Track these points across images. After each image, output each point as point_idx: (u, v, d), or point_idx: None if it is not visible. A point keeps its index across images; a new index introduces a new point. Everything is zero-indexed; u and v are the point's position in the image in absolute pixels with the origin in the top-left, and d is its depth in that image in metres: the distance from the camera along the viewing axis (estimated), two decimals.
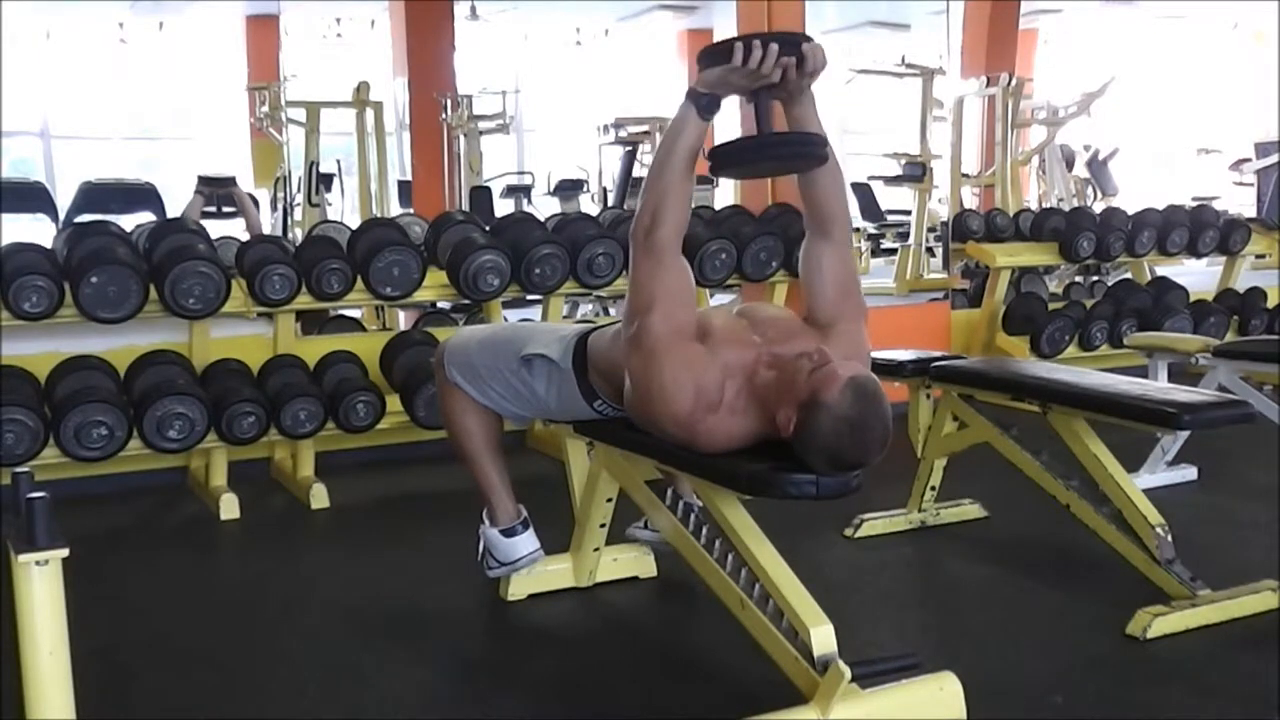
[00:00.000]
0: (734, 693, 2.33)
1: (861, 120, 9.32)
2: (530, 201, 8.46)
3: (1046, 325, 5.24)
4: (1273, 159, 8.26)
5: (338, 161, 7.02)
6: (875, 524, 3.35)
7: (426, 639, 2.69)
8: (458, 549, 3.06)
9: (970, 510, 3.49)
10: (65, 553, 1.55)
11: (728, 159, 2.29)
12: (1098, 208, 7.45)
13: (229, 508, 3.72)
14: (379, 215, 6.39)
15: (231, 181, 6.37)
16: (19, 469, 1.69)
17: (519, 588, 2.86)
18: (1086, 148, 9.15)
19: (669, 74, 10.89)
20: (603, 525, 2.83)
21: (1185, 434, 3.70)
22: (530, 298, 4.49)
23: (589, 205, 8.51)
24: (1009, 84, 7.13)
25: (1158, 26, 12.00)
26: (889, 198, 8.38)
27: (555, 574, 2.90)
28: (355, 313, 5.42)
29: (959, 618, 2.82)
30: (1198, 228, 5.74)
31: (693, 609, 2.78)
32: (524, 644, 2.71)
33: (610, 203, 8.21)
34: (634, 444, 2.51)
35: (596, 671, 2.52)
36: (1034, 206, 7.42)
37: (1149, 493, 2.93)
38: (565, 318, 4.95)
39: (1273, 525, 3.26)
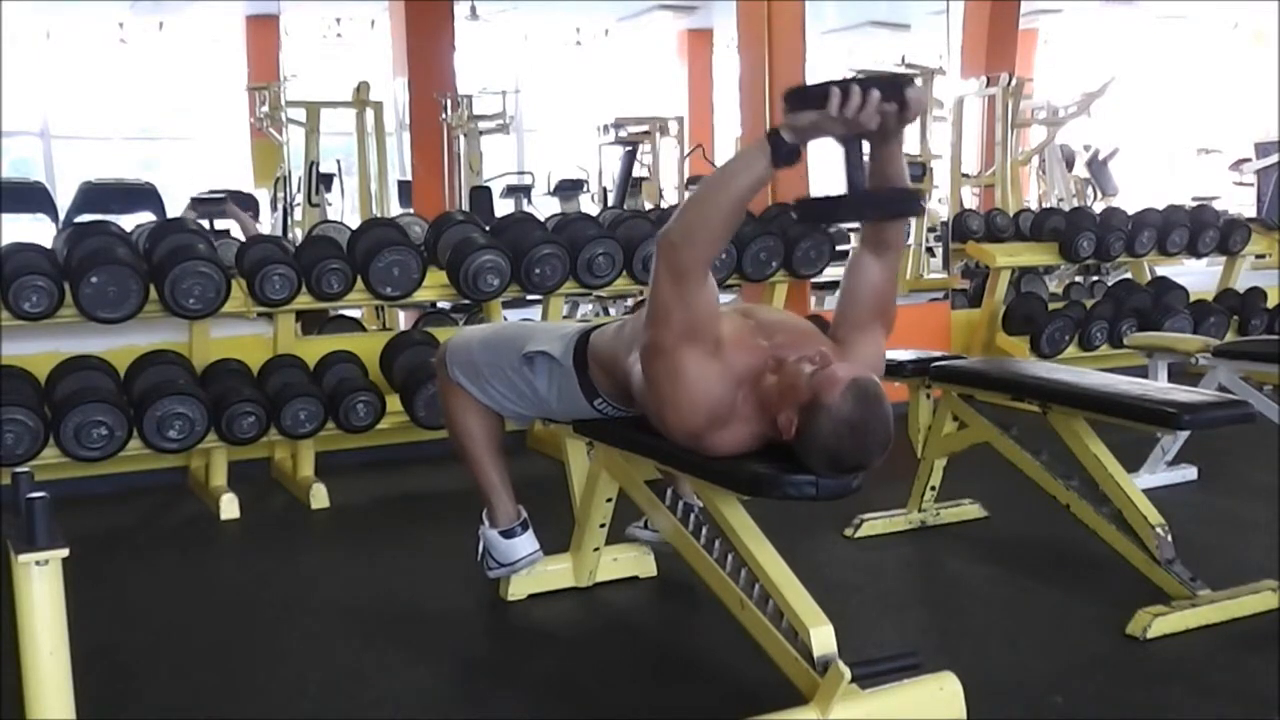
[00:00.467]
0: (734, 693, 2.33)
1: None
2: (530, 201, 8.46)
3: (1046, 325, 5.24)
4: (1273, 159, 8.26)
5: (338, 161, 7.03)
6: (875, 524, 3.35)
7: (426, 639, 2.69)
8: (458, 549, 3.06)
9: (970, 510, 3.49)
10: (65, 553, 1.55)
11: (819, 215, 2.18)
12: (1098, 208, 7.45)
13: (229, 508, 3.72)
14: (379, 215, 6.39)
15: (224, 200, 6.37)
16: (19, 469, 1.69)
17: (519, 588, 2.86)
18: (1086, 148, 9.15)
19: (669, 74, 10.90)
20: (602, 525, 2.83)
21: (1185, 434, 3.70)
22: (530, 298, 4.48)
23: (589, 205, 8.52)
24: (1009, 84, 7.13)
25: (1158, 26, 12.00)
26: None
27: (555, 574, 2.89)
28: (355, 313, 5.42)
29: (959, 618, 2.82)
30: (1198, 228, 5.73)
31: (693, 609, 2.78)
32: (524, 644, 2.71)
33: (610, 203, 8.21)
34: (634, 444, 2.51)
35: (596, 671, 2.52)
36: (1034, 206, 7.42)
37: (1149, 493, 2.93)
38: (565, 318, 4.95)
39: (1273, 525, 3.26)
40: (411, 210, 6.51)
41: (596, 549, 2.88)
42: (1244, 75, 11.23)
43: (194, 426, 3.64)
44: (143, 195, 6.66)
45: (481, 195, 7.42)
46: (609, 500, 2.78)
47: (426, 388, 3.93)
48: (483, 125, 7.44)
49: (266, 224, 6.69)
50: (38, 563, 1.53)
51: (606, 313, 6.12)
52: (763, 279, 4.67)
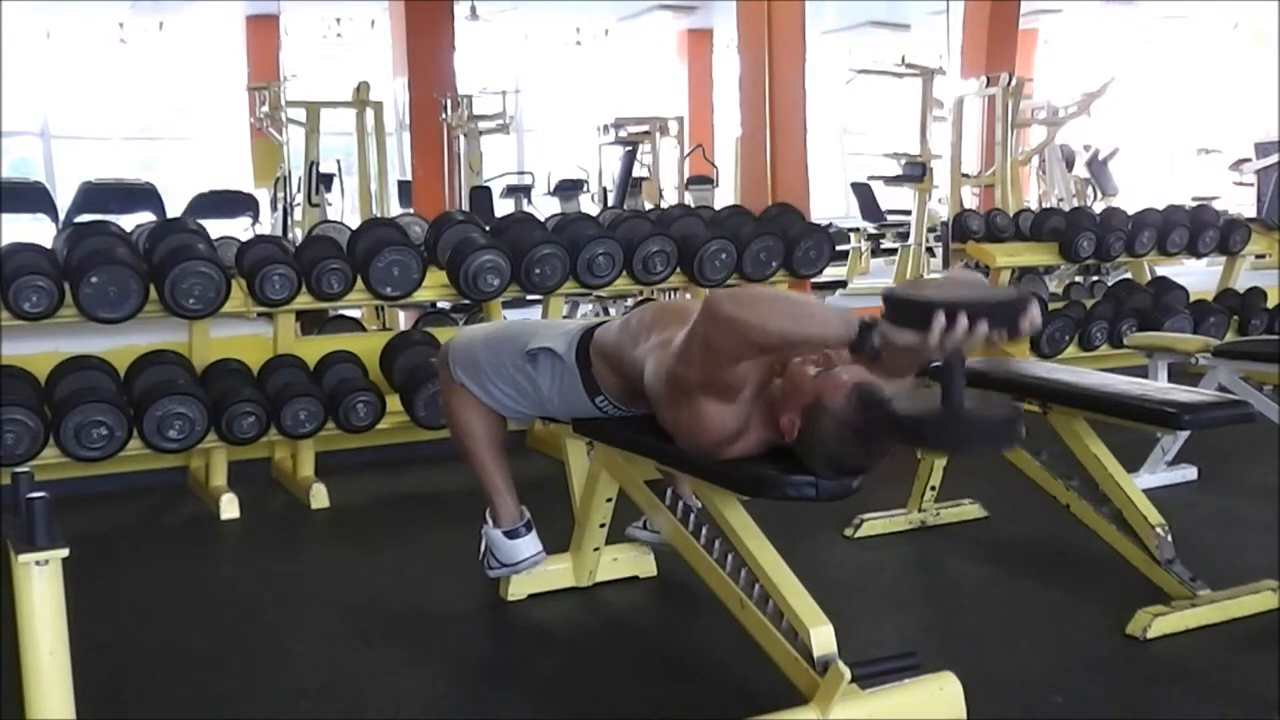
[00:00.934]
0: (734, 693, 2.33)
1: (861, 120, 9.34)
2: (530, 201, 8.46)
3: (1046, 325, 5.23)
4: (1273, 159, 8.26)
5: (338, 161, 7.03)
6: (875, 524, 3.35)
7: (427, 639, 2.69)
8: (458, 549, 3.06)
9: (970, 510, 3.49)
10: (65, 553, 1.55)
11: (900, 433, 1.96)
12: (1098, 208, 7.45)
13: (229, 508, 3.72)
14: (379, 215, 6.39)
15: None
16: (19, 469, 1.69)
17: (519, 588, 2.86)
18: (1086, 148, 9.15)
19: (669, 74, 10.90)
20: (602, 525, 2.83)
21: (1185, 434, 3.70)
22: (530, 298, 4.48)
23: (589, 205, 8.51)
24: (1009, 84, 7.12)
25: (1158, 26, 12.00)
26: (889, 198, 8.39)
27: (555, 574, 2.89)
28: (355, 313, 5.42)
29: (959, 618, 2.82)
30: (1198, 228, 5.73)
31: (693, 609, 2.78)
32: (524, 644, 2.71)
33: (610, 203, 8.21)
34: (634, 444, 2.51)
35: (596, 671, 2.52)
36: (1034, 206, 7.42)
37: (1149, 493, 2.93)
38: (565, 318, 4.95)
39: (1273, 525, 3.26)
40: (411, 210, 6.51)
41: (596, 549, 2.88)
42: (1244, 75, 11.22)
43: (194, 426, 3.64)
44: (143, 195, 6.66)
45: (481, 195, 7.42)
46: (609, 500, 2.78)
47: (426, 388, 3.93)
48: (483, 125, 7.44)
49: (267, 224, 6.69)
50: (38, 563, 1.53)
51: (606, 312, 6.12)
52: (763, 279, 4.66)
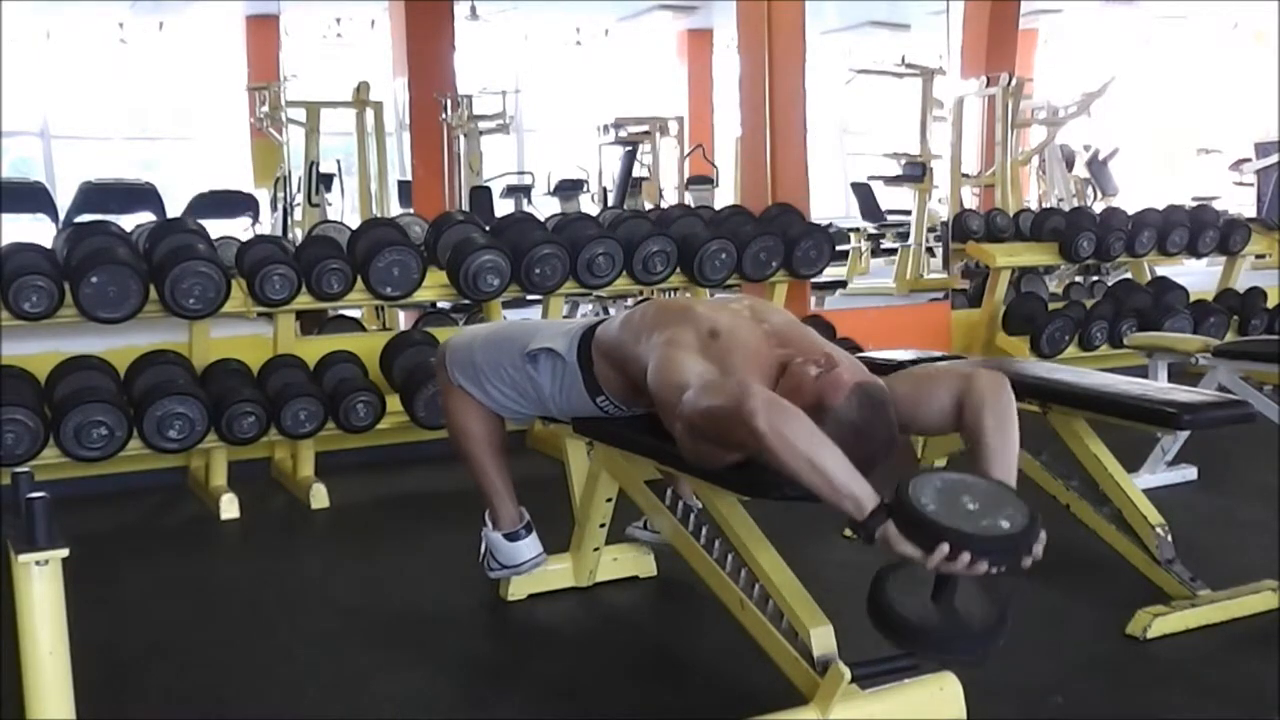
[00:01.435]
0: (734, 693, 2.33)
1: (861, 120, 9.34)
2: (530, 201, 8.46)
3: (1046, 325, 5.24)
4: (1273, 159, 8.26)
5: (338, 161, 7.02)
6: None
7: (426, 639, 2.69)
8: (458, 549, 3.06)
9: None
10: (65, 553, 1.55)
11: (893, 631, 1.94)
12: (1098, 208, 7.45)
13: (229, 508, 3.72)
14: (379, 215, 6.39)
15: None
16: (19, 469, 1.69)
17: (519, 588, 2.86)
18: (1086, 148, 9.15)
19: (669, 74, 10.90)
20: (603, 525, 2.83)
21: (1185, 434, 3.70)
22: (530, 298, 4.49)
23: (589, 205, 8.51)
24: (1009, 84, 7.13)
25: (1158, 26, 12.00)
26: (889, 198, 8.38)
27: (555, 574, 2.89)
28: (355, 313, 5.42)
29: None
30: (1198, 228, 5.74)
31: (693, 609, 2.78)
32: (524, 644, 2.71)
33: (610, 203, 8.21)
34: (633, 444, 2.51)
35: (596, 671, 2.52)
36: (1034, 206, 7.42)
37: (1149, 493, 2.93)
38: (565, 318, 4.95)
39: (1273, 525, 3.26)
40: (411, 210, 6.51)
41: (596, 549, 2.88)
42: (1244, 75, 11.22)
43: (194, 426, 3.64)
44: (143, 195, 6.65)
45: (481, 195, 7.42)
46: (609, 500, 2.78)
47: (426, 388, 3.93)
48: (483, 125, 7.44)
49: (267, 224, 6.68)
50: (38, 563, 1.53)
51: (606, 313, 6.11)
52: (763, 279, 4.67)
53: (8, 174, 8.44)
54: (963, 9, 7.34)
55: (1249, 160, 9.03)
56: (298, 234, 6.09)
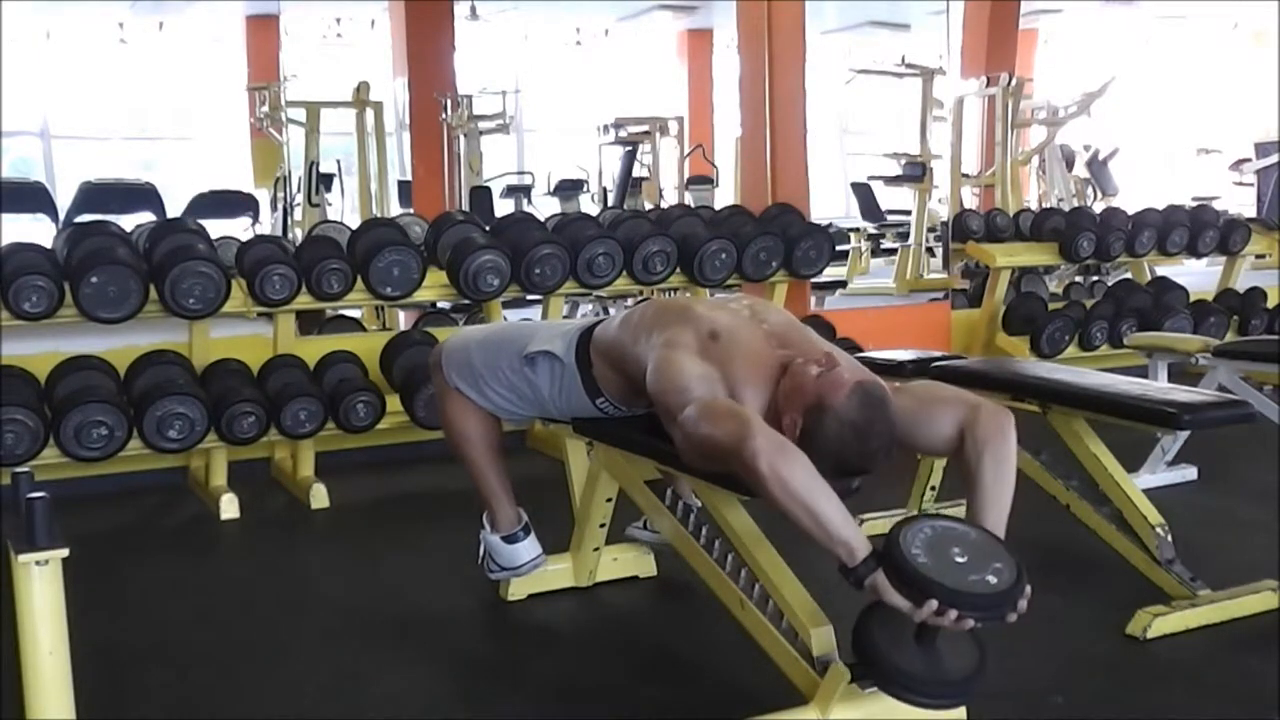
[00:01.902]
0: (734, 693, 2.33)
1: (861, 120, 9.34)
2: (530, 201, 8.46)
3: (1046, 325, 5.24)
4: (1273, 159, 8.26)
5: (338, 161, 7.02)
6: (875, 524, 3.34)
7: (427, 639, 2.69)
8: (458, 549, 3.06)
9: None
10: (65, 553, 1.55)
11: (873, 668, 1.97)
12: (1098, 208, 7.45)
13: (229, 508, 3.72)
14: (379, 215, 6.39)
15: None
16: (19, 469, 1.69)
17: (519, 588, 2.86)
18: (1086, 148, 9.15)
19: (669, 74, 10.90)
20: (602, 525, 2.83)
21: (1185, 434, 3.70)
22: (530, 298, 4.49)
23: (589, 205, 8.51)
24: (1009, 84, 7.13)
25: (1158, 26, 12.00)
26: (889, 198, 8.38)
27: (555, 574, 2.89)
28: (355, 313, 5.42)
29: None
30: (1198, 228, 5.73)
31: (693, 609, 2.78)
32: (524, 644, 2.71)
33: (610, 203, 8.21)
34: (633, 444, 2.51)
35: (596, 671, 2.52)
36: (1034, 206, 7.42)
37: (1149, 493, 2.93)
38: (565, 318, 4.95)
39: (1273, 525, 3.26)
40: (411, 210, 6.51)
41: (596, 549, 2.88)
42: (1244, 75, 11.22)
43: (194, 426, 3.64)
44: (143, 195, 6.65)
45: (481, 195, 7.42)
46: (609, 500, 2.78)
47: (426, 388, 3.93)
48: (483, 125, 7.43)
49: (267, 224, 6.69)
50: (38, 563, 1.53)
51: (606, 313, 6.11)
52: (763, 279, 4.67)
53: (8, 174, 8.45)
54: (963, 9, 7.33)
55: (1249, 160, 9.03)
56: (298, 234, 6.09)
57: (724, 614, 2.33)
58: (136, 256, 3.77)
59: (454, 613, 2.86)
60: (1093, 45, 11.38)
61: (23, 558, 1.52)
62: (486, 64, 8.69)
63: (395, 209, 6.72)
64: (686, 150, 8.98)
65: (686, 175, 8.99)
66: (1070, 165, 8.56)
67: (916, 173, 7.20)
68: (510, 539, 2.76)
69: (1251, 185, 8.89)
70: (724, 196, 8.21)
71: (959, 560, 1.91)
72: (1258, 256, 6.47)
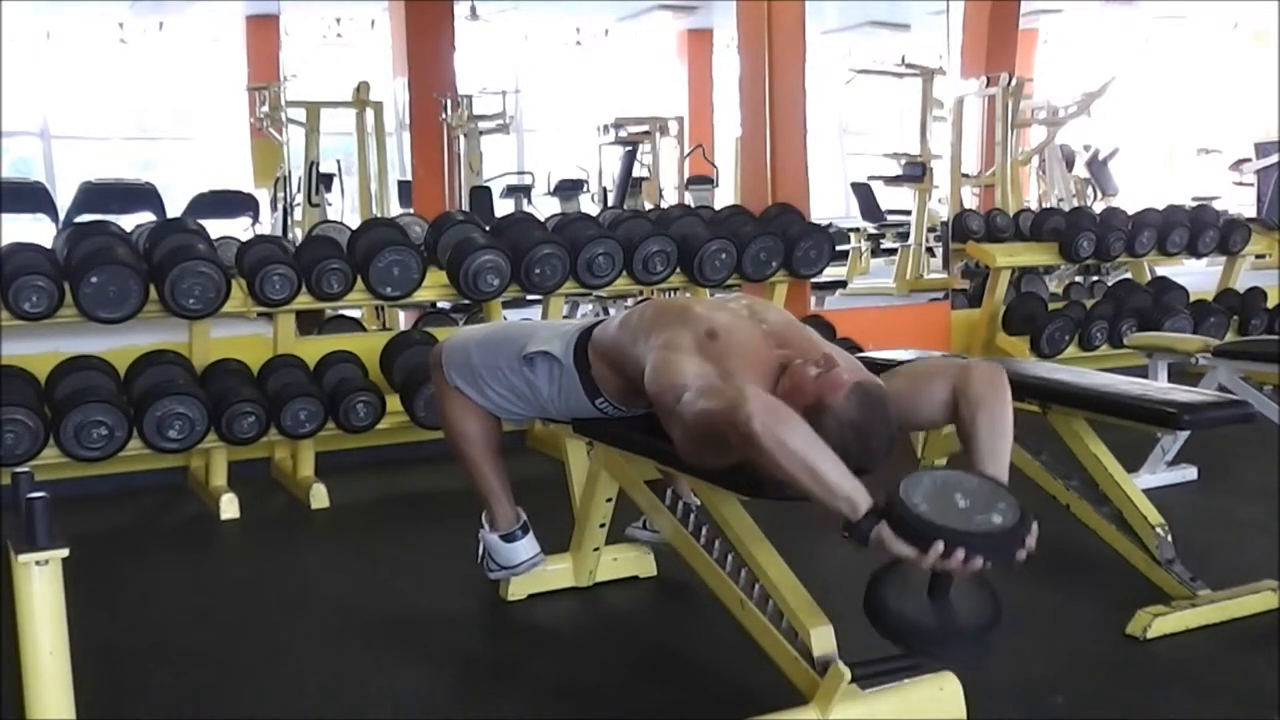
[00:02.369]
0: (734, 693, 2.33)
1: (861, 120, 9.34)
2: (530, 201, 8.46)
3: (1046, 325, 5.24)
4: (1273, 159, 8.26)
5: (338, 161, 7.02)
6: None
7: (426, 639, 2.69)
8: (458, 549, 3.06)
9: None
10: (65, 553, 1.55)
11: (886, 627, 1.95)
12: (1098, 208, 7.45)
13: (229, 508, 3.72)
14: (379, 215, 6.39)
15: None
16: (19, 469, 1.69)
17: (519, 588, 2.86)
18: (1086, 148, 9.15)
19: (669, 74, 10.90)
20: (602, 525, 2.83)
21: (1185, 434, 3.70)
22: (530, 298, 4.49)
23: (589, 205, 8.51)
24: (1009, 84, 7.13)
25: (1158, 26, 12.00)
26: (889, 198, 8.38)
27: (555, 574, 2.89)
28: (355, 313, 5.42)
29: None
30: (1198, 228, 5.73)
31: (693, 609, 2.78)
32: (524, 644, 2.71)
33: (610, 203, 8.21)
34: (633, 444, 2.51)
35: (596, 671, 2.52)
36: (1034, 206, 7.42)
37: (1149, 493, 2.93)
38: (565, 318, 4.95)
39: (1273, 525, 3.26)
40: (411, 210, 6.51)
41: (596, 549, 2.88)
42: (1244, 75, 11.22)
43: (194, 426, 3.64)
44: (143, 195, 6.65)
45: (481, 195, 7.41)
46: (609, 500, 2.78)
47: (426, 388, 3.93)
48: (483, 125, 7.43)
49: (267, 224, 6.68)
50: (38, 563, 1.53)
51: (606, 313, 6.11)
52: (763, 279, 4.67)
53: (8, 174, 8.44)
54: (963, 9, 7.33)
55: (1249, 160, 9.03)
56: (298, 234, 6.09)
57: (724, 614, 2.33)
58: (136, 256, 3.77)
59: (454, 613, 2.86)
60: (1093, 45, 11.37)
61: (23, 558, 1.52)
62: (486, 64, 8.69)
63: (395, 209, 6.72)
64: (686, 150, 8.98)
65: (686, 175, 8.99)
66: (1070, 165, 8.55)
67: (916, 173, 7.19)
68: (509, 538, 2.76)
69: (1251, 185, 8.89)
70: (724, 196, 8.21)
71: (962, 505, 1.90)
72: (1258, 256, 6.47)
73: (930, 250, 6.88)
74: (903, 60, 7.32)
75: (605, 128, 8.71)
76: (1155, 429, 3.41)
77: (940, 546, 1.82)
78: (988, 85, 7.25)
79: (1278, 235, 6.16)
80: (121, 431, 3.55)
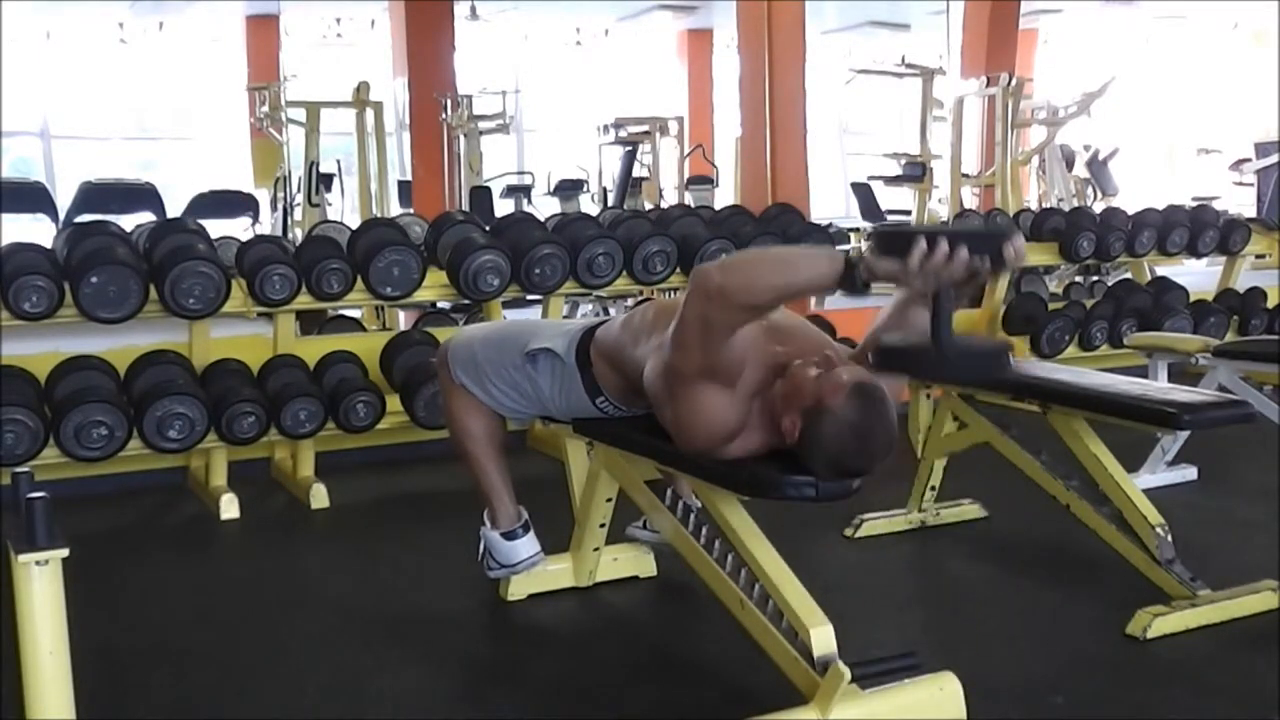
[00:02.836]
0: (734, 693, 2.33)
1: (861, 120, 9.35)
2: (530, 201, 8.46)
3: (1046, 325, 5.23)
4: (1273, 159, 8.26)
5: (338, 161, 7.03)
6: (875, 524, 3.35)
7: (426, 639, 2.69)
8: (458, 549, 3.06)
9: (970, 510, 3.49)
10: (65, 553, 1.55)
11: (898, 365, 2.02)
12: (1098, 208, 7.45)
13: (229, 508, 3.72)
14: (379, 215, 6.39)
15: None
16: (19, 469, 1.69)
17: (519, 588, 2.86)
18: (1086, 148, 9.15)
19: (669, 74, 10.91)
20: (602, 525, 2.83)
21: (1185, 434, 3.70)
22: (530, 298, 4.48)
23: (589, 205, 8.52)
24: (1009, 84, 7.12)
25: (1158, 26, 12.00)
26: (889, 198, 8.39)
27: (555, 574, 2.89)
28: (355, 313, 5.42)
29: (959, 618, 2.82)
30: (1198, 228, 5.73)
31: (693, 609, 2.78)
32: (524, 644, 2.71)
33: (610, 203, 8.22)
34: (633, 444, 2.51)
35: (596, 671, 2.52)
36: (1034, 206, 7.42)
37: (1149, 493, 2.93)
38: (565, 318, 4.95)
39: (1273, 525, 3.26)
40: (411, 210, 6.51)
41: (596, 549, 2.88)
42: (1244, 75, 11.22)
43: (194, 426, 3.63)
44: (143, 195, 6.66)
45: (481, 195, 7.42)
46: (609, 500, 2.78)
47: (426, 388, 3.93)
48: (483, 125, 7.44)
49: (267, 224, 6.69)
50: (38, 563, 1.53)
51: (606, 313, 6.11)
52: None
53: (8, 174, 8.45)
54: (963, 9, 7.34)
55: (1249, 160, 9.03)
56: (298, 234, 6.10)
57: (724, 614, 2.33)
58: (136, 256, 3.77)
59: (454, 613, 2.86)
60: (1093, 45, 11.38)
61: (23, 558, 1.52)
62: (486, 64, 8.70)
63: (395, 209, 6.73)
64: (686, 150, 8.99)
65: (686, 175, 9.00)
66: (1070, 165, 8.56)
67: (916, 173, 7.20)
68: (509, 535, 2.76)
69: (1251, 185, 8.90)
70: (724, 196, 8.22)
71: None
72: (1258, 256, 6.46)
73: None
74: (903, 60, 7.34)
75: (605, 128, 8.72)
76: (1155, 429, 3.41)
77: (923, 243, 1.82)
78: (988, 85, 7.25)
79: (1278, 235, 6.15)
80: (121, 431, 3.55)
